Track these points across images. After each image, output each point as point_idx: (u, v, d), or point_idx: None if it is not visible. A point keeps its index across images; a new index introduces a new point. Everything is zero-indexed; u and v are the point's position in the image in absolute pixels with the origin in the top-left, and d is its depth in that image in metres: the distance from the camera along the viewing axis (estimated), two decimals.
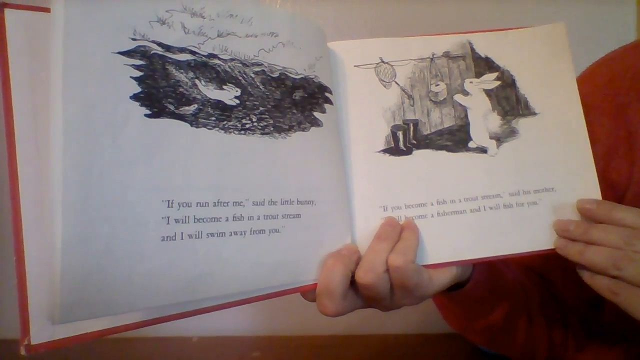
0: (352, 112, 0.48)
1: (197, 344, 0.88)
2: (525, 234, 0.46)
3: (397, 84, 0.49)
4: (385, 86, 0.49)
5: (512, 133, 0.49)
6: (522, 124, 0.49)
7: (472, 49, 0.51)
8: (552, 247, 0.46)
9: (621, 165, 0.55)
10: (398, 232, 0.44)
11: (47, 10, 0.32)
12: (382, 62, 0.49)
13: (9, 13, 0.32)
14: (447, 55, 0.51)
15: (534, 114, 0.50)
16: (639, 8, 0.93)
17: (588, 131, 0.49)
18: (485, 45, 0.51)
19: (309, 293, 0.43)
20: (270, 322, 0.93)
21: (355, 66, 0.49)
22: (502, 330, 0.57)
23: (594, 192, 0.47)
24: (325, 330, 0.85)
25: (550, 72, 0.50)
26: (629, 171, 0.54)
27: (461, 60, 0.51)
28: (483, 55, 0.51)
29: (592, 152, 0.48)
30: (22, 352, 0.30)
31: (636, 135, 0.54)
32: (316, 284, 0.42)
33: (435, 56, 0.50)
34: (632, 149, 0.54)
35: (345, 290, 0.41)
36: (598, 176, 0.48)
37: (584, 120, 0.49)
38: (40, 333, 0.31)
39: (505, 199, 0.47)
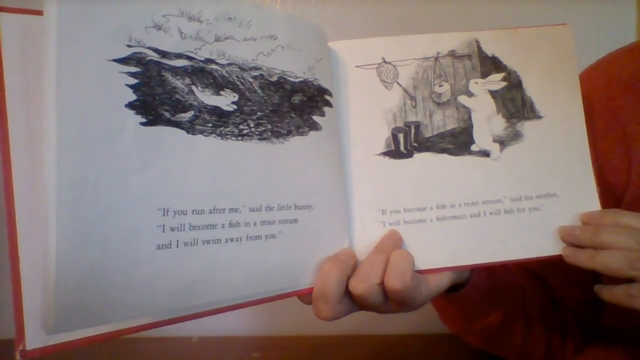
0: (353, 113, 0.47)
1: (197, 344, 0.88)
2: (526, 240, 0.46)
3: (400, 85, 0.48)
4: (387, 87, 0.48)
5: (516, 136, 0.48)
6: (527, 127, 0.48)
7: (479, 48, 0.50)
8: (555, 253, 0.46)
9: (618, 167, 0.54)
10: (399, 247, 0.43)
11: (41, 13, 0.31)
12: (385, 62, 0.48)
13: (2, 17, 0.31)
14: (452, 54, 0.49)
15: (539, 117, 0.49)
16: (639, 8, 0.91)
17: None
18: (492, 43, 0.50)
19: (305, 296, 0.43)
20: (270, 322, 0.93)
21: (356, 67, 0.48)
22: (499, 333, 0.57)
23: (594, 199, 0.47)
24: (325, 330, 0.85)
25: (555, 74, 0.49)
26: (627, 172, 0.54)
27: (467, 59, 0.49)
28: (490, 55, 0.50)
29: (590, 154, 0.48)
30: (18, 357, 0.30)
31: (632, 137, 0.53)
32: (312, 288, 0.42)
33: (440, 55, 0.49)
34: (629, 151, 0.54)
35: (341, 295, 0.41)
36: (595, 178, 0.47)
37: (585, 126, 0.48)
38: (36, 338, 0.31)
39: (506, 205, 0.46)
